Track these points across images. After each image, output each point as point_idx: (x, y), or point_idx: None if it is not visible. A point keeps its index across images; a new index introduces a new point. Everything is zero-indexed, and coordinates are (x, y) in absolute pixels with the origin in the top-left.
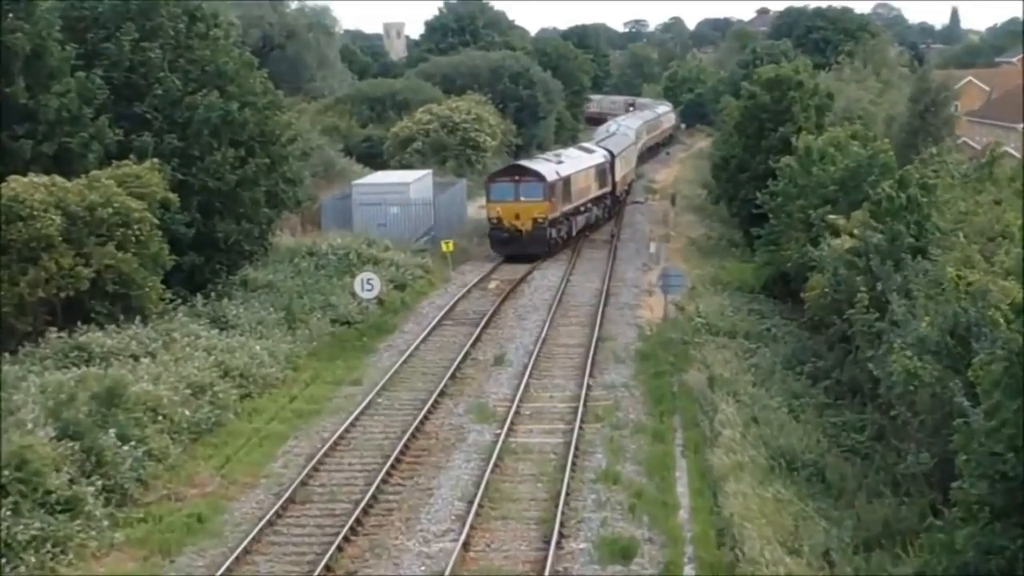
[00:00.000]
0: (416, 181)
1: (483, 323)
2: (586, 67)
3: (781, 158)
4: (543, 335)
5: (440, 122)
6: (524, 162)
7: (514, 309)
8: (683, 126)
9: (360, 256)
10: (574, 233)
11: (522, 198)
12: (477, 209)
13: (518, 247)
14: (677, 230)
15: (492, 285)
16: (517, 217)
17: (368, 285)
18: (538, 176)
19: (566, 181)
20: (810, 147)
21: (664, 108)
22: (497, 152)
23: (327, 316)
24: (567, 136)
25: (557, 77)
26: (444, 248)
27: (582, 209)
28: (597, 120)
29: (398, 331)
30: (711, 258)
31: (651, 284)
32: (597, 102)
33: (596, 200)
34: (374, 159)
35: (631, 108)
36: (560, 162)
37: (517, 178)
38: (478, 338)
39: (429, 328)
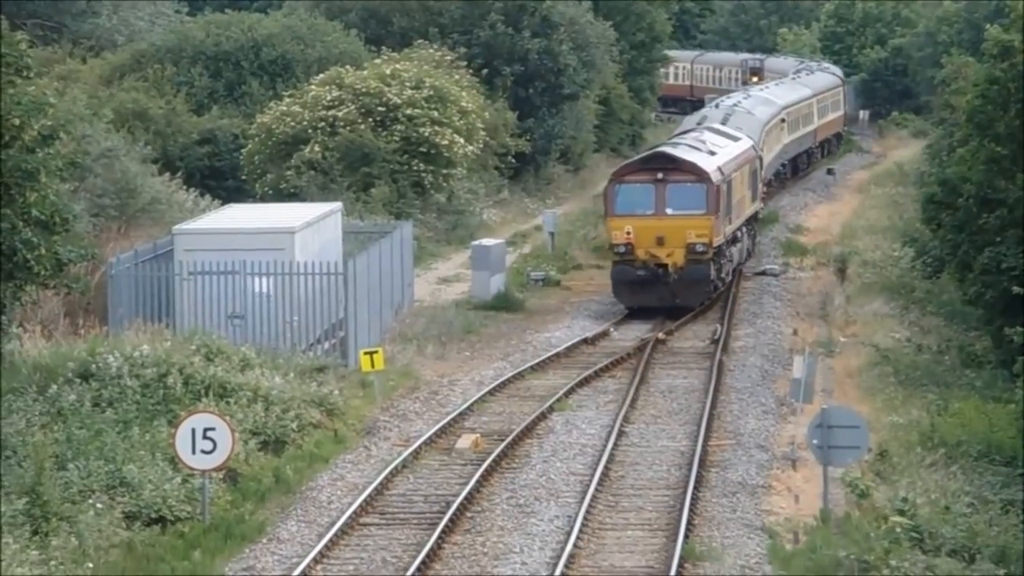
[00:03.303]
0: (308, 227)
1: (443, 525)
2: None
3: None
4: (567, 552)
5: (360, 103)
6: (670, 149)
7: (510, 493)
8: (863, 115)
9: (189, 381)
10: (729, 276)
11: (670, 210)
12: (435, 282)
13: (660, 295)
14: (850, 330)
15: (465, 442)
16: (660, 243)
17: (206, 441)
18: (697, 173)
19: (728, 184)
20: None
21: (823, 79)
22: (477, 165)
23: (117, 508)
24: (623, 135)
25: (604, 14)
26: (364, 364)
27: (738, 236)
28: (682, 103)
29: (266, 540)
30: (921, 390)
31: (795, 443)
32: (683, 67)
33: (748, 224)
34: (220, 179)
35: (753, 79)
36: (712, 152)
37: (661, 176)
38: (433, 561)
39: (331, 534)
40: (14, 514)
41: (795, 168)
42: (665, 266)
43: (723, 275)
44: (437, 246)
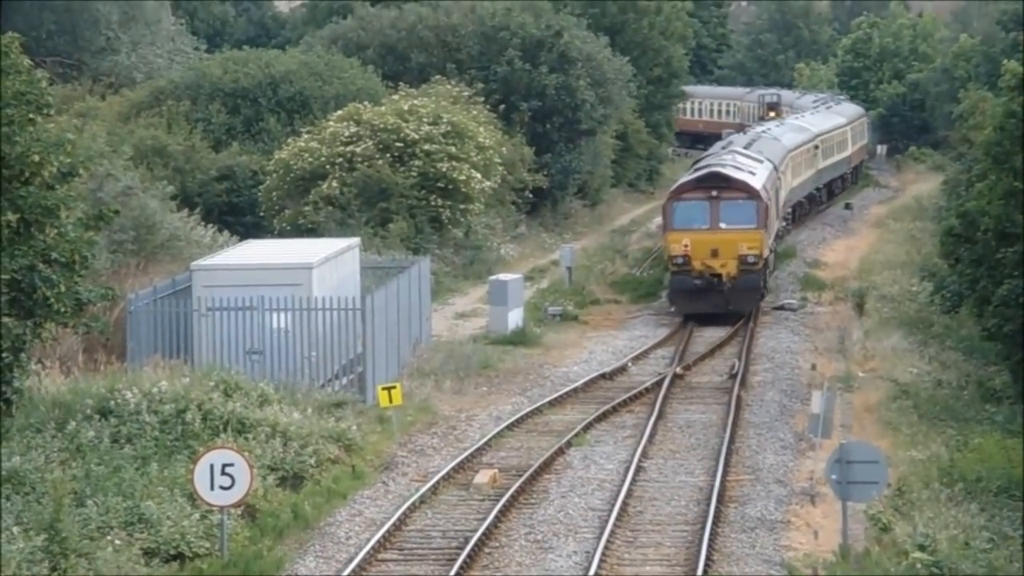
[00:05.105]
0: (325, 263)
1: (461, 561)
2: (682, 29)
3: None
4: None
5: (378, 139)
6: (721, 168)
7: (528, 529)
8: (881, 149)
9: (208, 417)
10: (768, 284)
11: (723, 224)
12: (452, 317)
13: (715, 302)
14: (868, 365)
15: (483, 478)
16: (715, 255)
17: (224, 477)
18: (748, 191)
19: (771, 201)
20: None
21: (842, 113)
22: (495, 200)
23: (135, 544)
24: (640, 170)
25: (622, 49)
26: (382, 399)
27: (773, 248)
28: (698, 138)
29: None
30: (940, 425)
31: (813, 479)
32: (699, 101)
33: (778, 239)
34: (238, 215)
35: (770, 114)
36: (752, 172)
37: (715, 193)
38: None
39: (349, 570)
40: (32, 551)
41: (830, 192)
42: (719, 276)
43: (766, 283)
44: (455, 281)
